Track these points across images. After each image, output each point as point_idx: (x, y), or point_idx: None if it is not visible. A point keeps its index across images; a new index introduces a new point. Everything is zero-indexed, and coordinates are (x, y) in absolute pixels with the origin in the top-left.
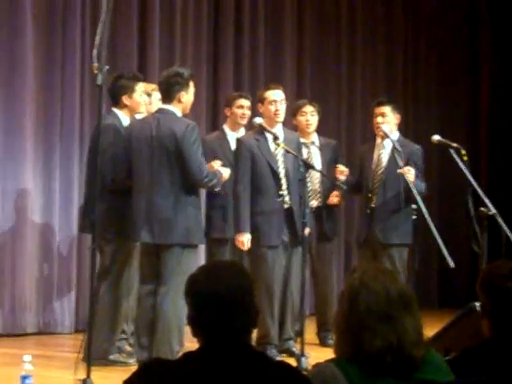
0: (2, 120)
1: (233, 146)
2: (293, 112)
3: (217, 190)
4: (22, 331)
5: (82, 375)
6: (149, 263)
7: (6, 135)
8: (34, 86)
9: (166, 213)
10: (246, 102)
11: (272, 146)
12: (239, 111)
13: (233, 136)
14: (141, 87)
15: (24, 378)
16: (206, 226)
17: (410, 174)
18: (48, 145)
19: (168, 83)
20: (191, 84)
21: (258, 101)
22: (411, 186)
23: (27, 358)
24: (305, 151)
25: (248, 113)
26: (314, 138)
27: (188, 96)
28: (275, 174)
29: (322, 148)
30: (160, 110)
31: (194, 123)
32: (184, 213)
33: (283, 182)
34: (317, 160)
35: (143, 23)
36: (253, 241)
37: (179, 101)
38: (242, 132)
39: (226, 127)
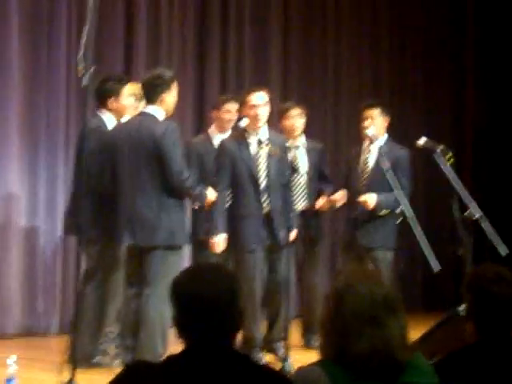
0: None
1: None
2: (279, 115)
3: (197, 205)
4: (6, 333)
5: (67, 377)
6: (133, 266)
7: None
8: (19, 89)
9: (148, 215)
10: (233, 107)
11: (254, 149)
12: (226, 116)
13: (218, 139)
14: (128, 90)
15: (8, 380)
16: (192, 228)
17: (367, 204)
18: (33, 148)
19: (150, 85)
20: (174, 85)
21: (240, 104)
22: (394, 189)
23: (11, 359)
24: (290, 154)
25: (235, 117)
26: (301, 140)
27: (171, 97)
28: (255, 179)
29: (308, 151)
30: (142, 113)
31: (174, 124)
32: (167, 214)
33: (263, 186)
34: (303, 163)
35: (129, 24)
36: (233, 245)
37: (162, 102)
38: (227, 135)
39: (211, 131)
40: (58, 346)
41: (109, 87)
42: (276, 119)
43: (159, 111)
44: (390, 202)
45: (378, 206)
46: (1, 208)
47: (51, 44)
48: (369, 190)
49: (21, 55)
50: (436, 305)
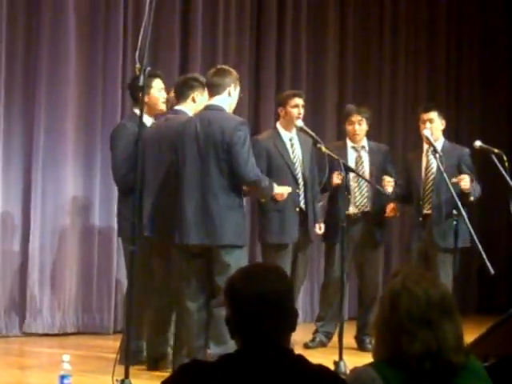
0: (43, 120)
1: (288, 145)
2: (342, 118)
3: (264, 198)
4: (61, 331)
5: (121, 376)
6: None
7: (47, 136)
8: (76, 87)
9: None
10: (300, 101)
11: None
12: (294, 110)
13: (287, 136)
14: (158, 84)
15: (62, 377)
16: (263, 231)
17: (464, 182)
18: (89, 145)
19: (183, 84)
20: (205, 88)
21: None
22: (453, 191)
23: (66, 357)
24: (354, 155)
25: (303, 112)
26: (364, 143)
27: (202, 97)
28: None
29: (370, 152)
30: (174, 110)
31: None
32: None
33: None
34: (365, 164)
35: (185, 23)
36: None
37: (193, 100)
38: (293, 131)
39: (279, 126)
40: (112, 344)
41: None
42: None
43: (189, 110)
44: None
45: (470, 189)
46: (56, 206)
47: (107, 42)
48: (436, 192)
49: (77, 53)
50: (490, 308)
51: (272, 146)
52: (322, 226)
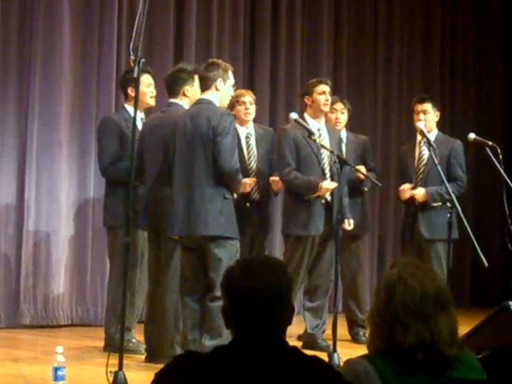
0: (37, 113)
1: (316, 136)
2: None
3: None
4: (55, 323)
5: (114, 368)
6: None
7: (41, 128)
8: (71, 79)
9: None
10: (327, 88)
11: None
12: (321, 97)
13: (315, 125)
14: (146, 79)
15: (56, 369)
16: (287, 222)
17: (417, 198)
18: (83, 138)
19: (172, 78)
20: (196, 78)
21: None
22: (446, 183)
23: (60, 349)
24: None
25: (330, 98)
26: (343, 134)
27: (193, 90)
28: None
29: (348, 144)
30: (168, 104)
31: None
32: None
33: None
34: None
35: (180, 17)
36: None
37: (184, 95)
38: (322, 121)
39: (307, 116)
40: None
41: (128, 77)
42: None
43: (183, 103)
44: (442, 194)
45: (429, 199)
46: (50, 198)
47: (102, 34)
48: (426, 183)
49: (72, 46)
50: (484, 300)
51: (300, 136)
52: (352, 221)
